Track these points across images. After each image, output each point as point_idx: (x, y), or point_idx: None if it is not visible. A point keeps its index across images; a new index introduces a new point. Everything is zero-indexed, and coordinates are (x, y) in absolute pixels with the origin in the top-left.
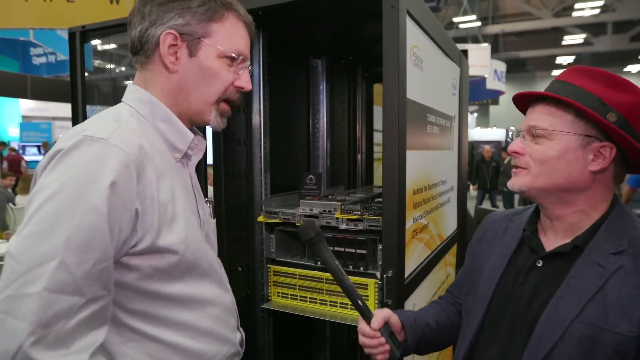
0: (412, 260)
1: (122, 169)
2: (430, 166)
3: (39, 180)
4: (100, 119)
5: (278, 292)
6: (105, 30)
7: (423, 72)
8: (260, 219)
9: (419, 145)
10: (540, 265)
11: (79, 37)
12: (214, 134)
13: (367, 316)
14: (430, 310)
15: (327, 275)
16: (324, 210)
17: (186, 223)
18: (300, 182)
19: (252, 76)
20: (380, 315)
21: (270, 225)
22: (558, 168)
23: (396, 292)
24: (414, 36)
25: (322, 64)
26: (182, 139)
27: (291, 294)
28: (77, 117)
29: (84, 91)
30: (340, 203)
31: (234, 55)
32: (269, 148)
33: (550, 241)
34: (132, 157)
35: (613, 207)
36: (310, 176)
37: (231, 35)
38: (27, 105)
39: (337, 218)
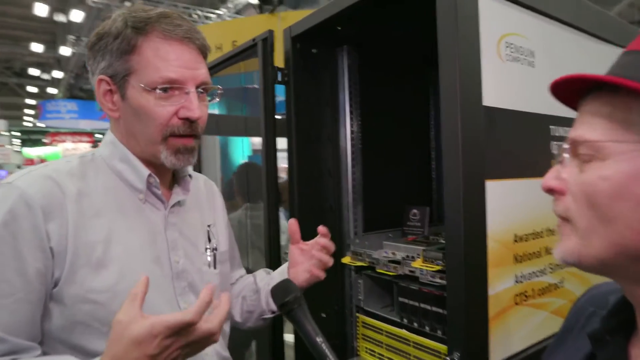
0: (520, 337)
1: (18, 207)
2: None
3: None
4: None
5: (366, 348)
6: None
7: (537, 69)
8: (345, 260)
9: (530, 170)
10: None
11: None
12: (300, 166)
13: None
14: None
15: (415, 337)
16: (407, 256)
17: (122, 270)
18: (403, 217)
19: (336, 101)
20: None
21: (363, 268)
22: (620, 213)
23: None
24: (507, 21)
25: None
26: (139, 178)
27: (378, 353)
28: None
29: None
30: (422, 248)
31: (160, 87)
32: (360, 179)
33: None
34: (35, 197)
35: None
36: (414, 210)
37: (154, 62)
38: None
39: (417, 268)
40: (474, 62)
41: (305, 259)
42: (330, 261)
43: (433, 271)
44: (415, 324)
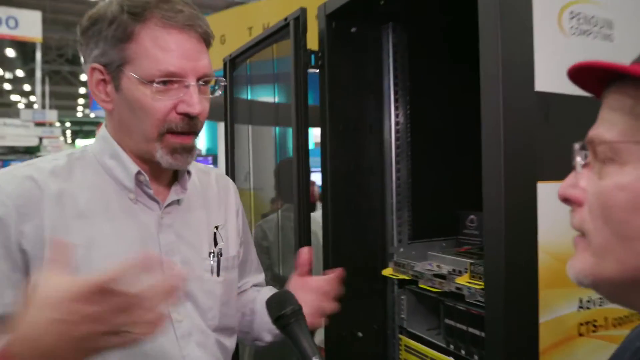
0: None
1: None
2: None
3: None
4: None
5: None
6: (245, 55)
7: (617, 43)
8: (387, 272)
9: None
10: None
11: (229, 64)
12: (335, 161)
13: None
14: None
15: None
16: (453, 270)
17: None
18: (459, 224)
19: (380, 87)
20: None
21: (406, 282)
22: (638, 229)
23: None
24: None
25: None
26: (128, 175)
27: None
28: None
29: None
30: (471, 261)
31: (158, 79)
32: (406, 177)
33: None
34: (12, 195)
35: None
36: (472, 217)
37: (152, 52)
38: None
39: (463, 284)
40: (525, 38)
41: (308, 298)
42: (331, 309)
43: (482, 289)
44: (463, 352)
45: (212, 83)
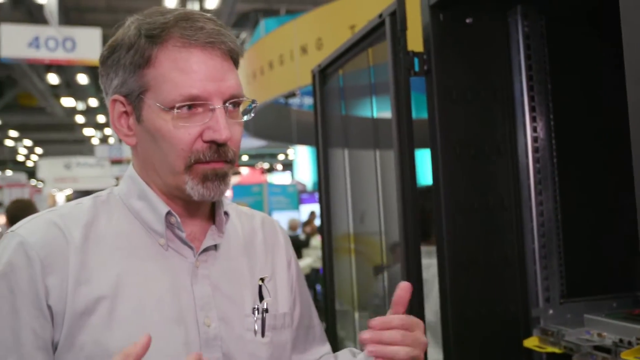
0: None
1: (16, 258)
2: None
3: None
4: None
5: None
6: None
7: None
8: (530, 342)
9: None
10: None
11: (319, 76)
12: (451, 192)
13: None
14: None
15: None
16: (621, 341)
17: (131, 333)
18: (635, 275)
19: (509, 93)
20: None
21: (557, 356)
22: None
23: None
24: None
25: None
26: (157, 217)
27: None
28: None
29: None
30: None
31: (180, 104)
32: (552, 213)
33: None
34: (35, 246)
35: None
36: None
37: (172, 75)
38: None
39: None
40: None
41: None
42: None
43: None
44: None
45: (245, 104)
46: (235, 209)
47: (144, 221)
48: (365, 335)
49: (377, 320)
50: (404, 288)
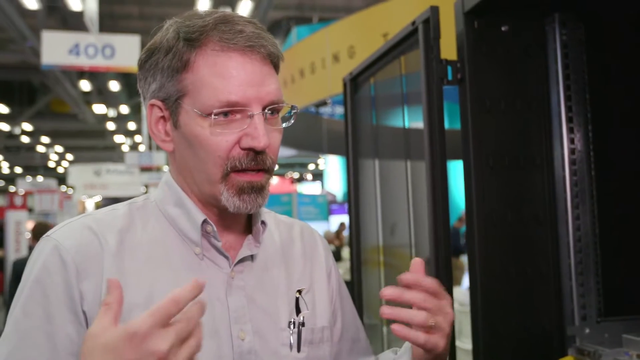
0: None
1: (51, 262)
2: None
3: None
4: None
5: None
6: (369, 71)
7: None
8: None
9: None
10: None
11: (350, 85)
12: (483, 206)
13: None
14: None
15: None
16: None
17: None
18: None
19: (546, 103)
20: None
21: None
22: None
23: None
24: None
25: None
26: (193, 226)
27: None
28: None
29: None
30: None
31: (217, 110)
32: (590, 228)
33: None
34: (71, 250)
35: None
36: None
37: (210, 80)
38: None
39: None
40: None
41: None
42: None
43: None
44: None
45: (284, 111)
46: (274, 218)
47: (179, 229)
48: (388, 291)
49: (408, 275)
50: (418, 263)
